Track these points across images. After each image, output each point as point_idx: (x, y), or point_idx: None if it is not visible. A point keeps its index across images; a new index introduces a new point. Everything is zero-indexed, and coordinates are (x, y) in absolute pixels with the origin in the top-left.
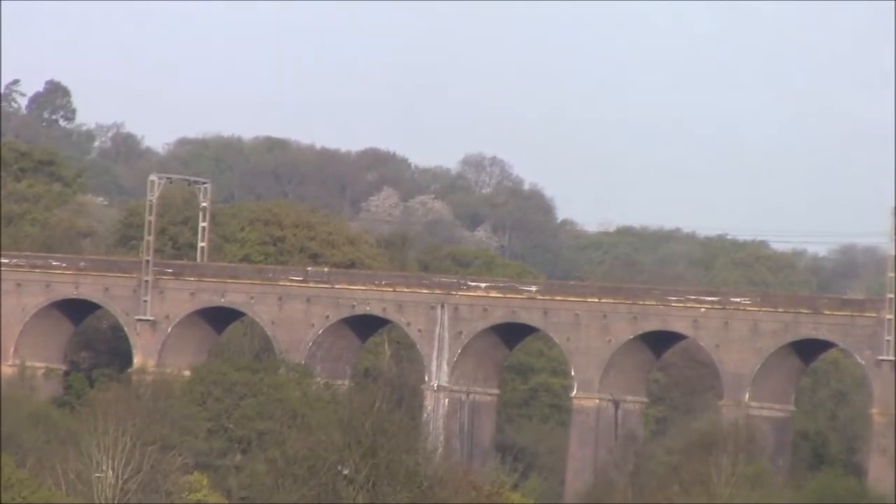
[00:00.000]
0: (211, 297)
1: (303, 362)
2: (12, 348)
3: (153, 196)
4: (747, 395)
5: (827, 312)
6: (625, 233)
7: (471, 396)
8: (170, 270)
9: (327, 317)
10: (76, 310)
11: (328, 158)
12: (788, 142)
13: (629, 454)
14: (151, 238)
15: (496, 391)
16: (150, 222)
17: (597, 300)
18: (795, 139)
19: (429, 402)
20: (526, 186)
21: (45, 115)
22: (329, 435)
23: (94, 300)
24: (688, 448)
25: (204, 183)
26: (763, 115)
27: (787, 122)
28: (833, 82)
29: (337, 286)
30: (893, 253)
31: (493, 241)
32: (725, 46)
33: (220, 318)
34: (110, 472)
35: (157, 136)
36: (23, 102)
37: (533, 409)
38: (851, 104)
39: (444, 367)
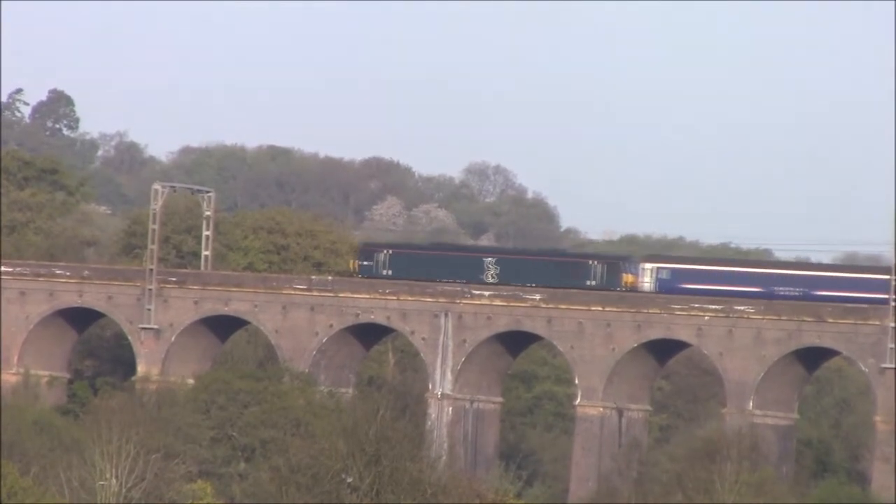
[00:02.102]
0: (214, 305)
1: (307, 371)
2: (16, 356)
3: (157, 205)
4: (751, 403)
5: (830, 321)
6: (628, 241)
7: (475, 404)
8: (173, 279)
9: (331, 325)
10: (80, 318)
11: (332, 167)
12: (792, 150)
13: (633, 462)
14: (155, 247)
15: (500, 399)
16: (153, 231)
17: (601, 308)
18: (798, 147)
19: (433, 411)
20: (529, 195)
21: (49, 123)
22: (333, 443)
23: (98, 309)
24: (691, 456)
25: (207, 192)
26: (766, 124)
27: (790, 130)
28: (836, 89)
29: (341, 295)
30: (894, 261)
31: None
32: (729, 54)
33: (223, 326)
34: (114, 480)
35: (161, 145)
36: (26, 111)
37: (537, 417)
38: (855, 111)
39: (448, 376)
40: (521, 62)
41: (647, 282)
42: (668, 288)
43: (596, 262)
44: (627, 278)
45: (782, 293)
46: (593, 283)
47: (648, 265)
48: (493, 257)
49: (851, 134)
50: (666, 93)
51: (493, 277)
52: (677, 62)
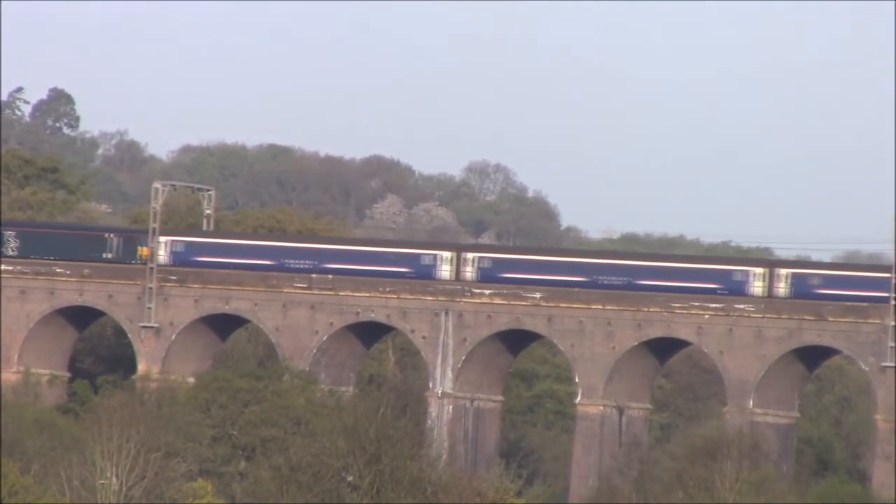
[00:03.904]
0: (215, 303)
1: (307, 369)
2: (17, 355)
3: (157, 203)
4: (751, 402)
5: (831, 319)
6: (629, 240)
7: (475, 403)
8: (174, 277)
9: (331, 324)
10: (80, 317)
11: (332, 165)
12: (792, 148)
13: (633, 460)
14: (155, 245)
15: (500, 398)
16: (154, 229)
17: (601, 307)
18: (799, 145)
19: (433, 409)
20: (530, 193)
21: (49, 122)
22: (333, 442)
23: (99, 307)
24: (692, 454)
25: (208, 190)
26: (767, 122)
27: (791, 128)
28: (837, 87)
29: (341, 293)
30: (894, 259)
31: None
32: (729, 52)
33: (224, 324)
34: (114, 478)
35: (161, 144)
36: (27, 110)
37: (537, 416)
38: (855, 110)
39: (449, 374)
40: (522, 61)
41: (162, 254)
42: (181, 261)
43: (113, 236)
44: (143, 251)
45: (329, 268)
46: (110, 255)
47: (164, 238)
48: (14, 230)
49: (853, 131)
50: (666, 90)
51: (13, 251)
52: (678, 60)
